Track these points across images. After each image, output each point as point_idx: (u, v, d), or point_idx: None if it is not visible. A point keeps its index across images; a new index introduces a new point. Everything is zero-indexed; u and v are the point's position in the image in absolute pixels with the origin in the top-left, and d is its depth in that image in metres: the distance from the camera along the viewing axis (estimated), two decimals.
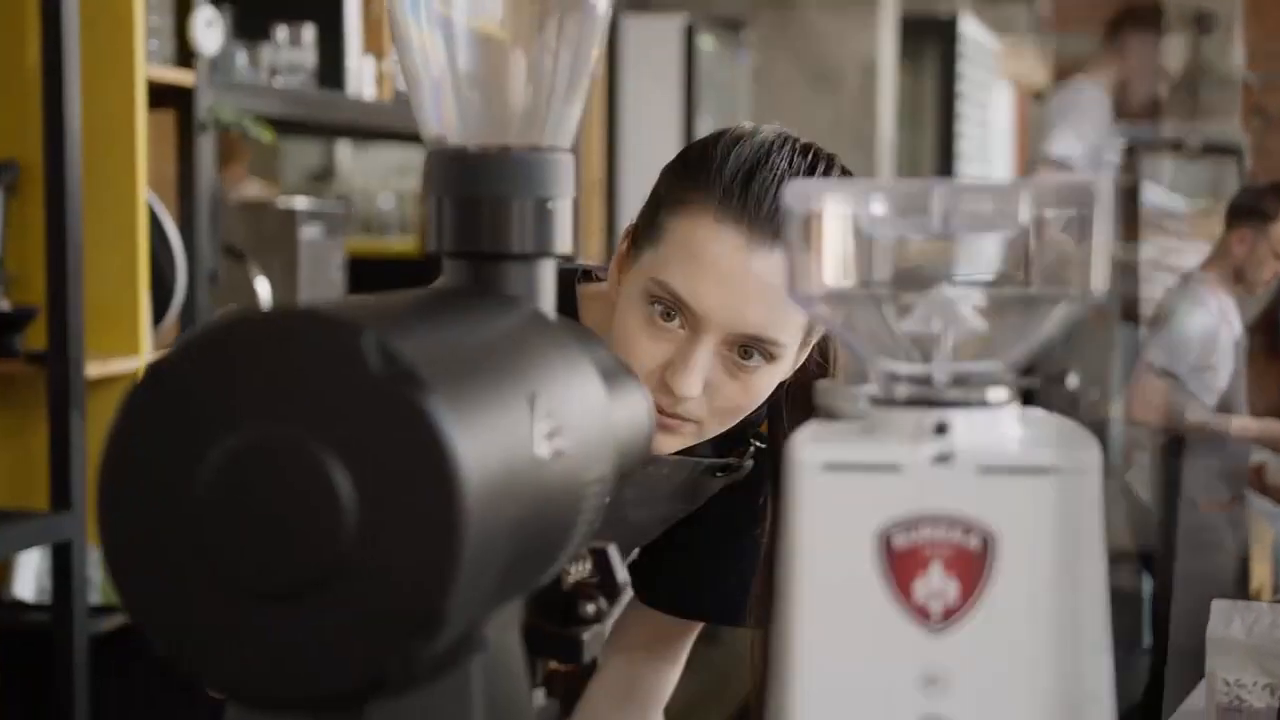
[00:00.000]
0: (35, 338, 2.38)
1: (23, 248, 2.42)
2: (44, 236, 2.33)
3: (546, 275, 0.79)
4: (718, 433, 1.28)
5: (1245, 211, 4.17)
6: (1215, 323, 4.15)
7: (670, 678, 1.46)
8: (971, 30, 7.39)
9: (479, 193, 0.77)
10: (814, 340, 1.31)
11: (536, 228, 0.77)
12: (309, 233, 3.06)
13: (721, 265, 1.19)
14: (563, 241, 0.79)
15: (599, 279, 1.39)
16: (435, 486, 0.59)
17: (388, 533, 0.59)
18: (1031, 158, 4.37)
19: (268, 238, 3.08)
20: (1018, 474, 0.66)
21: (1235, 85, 9.14)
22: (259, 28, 3.01)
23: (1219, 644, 1.86)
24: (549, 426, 0.69)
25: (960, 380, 0.69)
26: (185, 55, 2.63)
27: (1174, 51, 4.38)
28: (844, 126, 5.32)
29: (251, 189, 4.09)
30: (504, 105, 0.79)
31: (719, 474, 1.37)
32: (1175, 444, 4.16)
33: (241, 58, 2.92)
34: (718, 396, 1.24)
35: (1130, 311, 4.62)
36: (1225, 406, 4.23)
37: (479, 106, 0.78)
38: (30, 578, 2.56)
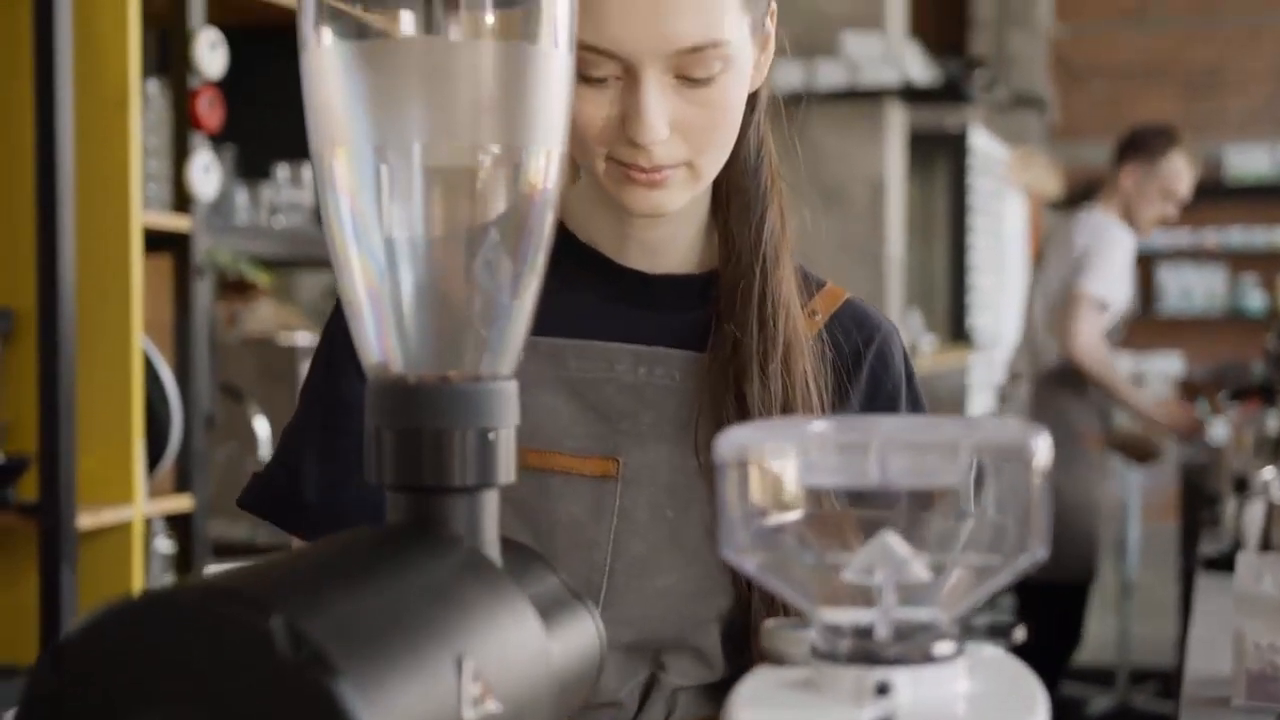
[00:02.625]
0: (27, 488, 2.37)
1: (18, 396, 2.41)
2: (37, 386, 2.32)
3: (489, 507, 0.77)
4: (717, 167, 1.15)
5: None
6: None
7: None
8: (981, 142, 7.43)
9: (419, 424, 0.75)
10: (770, 28, 1.19)
11: (478, 459, 0.76)
12: None
13: None
14: (506, 471, 0.77)
15: None
16: None
17: None
18: (1045, 282, 4.31)
19: (272, 374, 3.08)
20: None
21: (1041, 39, 9.24)
22: (260, 167, 3.02)
23: (1248, 601, 1.70)
24: (479, 688, 0.66)
25: (904, 633, 0.67)
26: (183, 199, 2.64)
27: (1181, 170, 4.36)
28: (853, 245, 5.32)
29: (265, 311, 4.10)
30: (445, 334, 0.77)
31: None
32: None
33: (242, 196, 2.94)
34: (690, 128, 1.11)
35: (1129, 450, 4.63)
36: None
37: (420, 335, 0.77)
38: None
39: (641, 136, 1.09)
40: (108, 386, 2.45)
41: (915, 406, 1.27)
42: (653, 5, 1.07)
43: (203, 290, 2.65)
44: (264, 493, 1.25)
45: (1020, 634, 0.65)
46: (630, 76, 1.09)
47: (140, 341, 2.48)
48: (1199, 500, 4.32)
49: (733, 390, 1.17)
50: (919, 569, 0.67)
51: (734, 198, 1.22)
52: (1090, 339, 4.05)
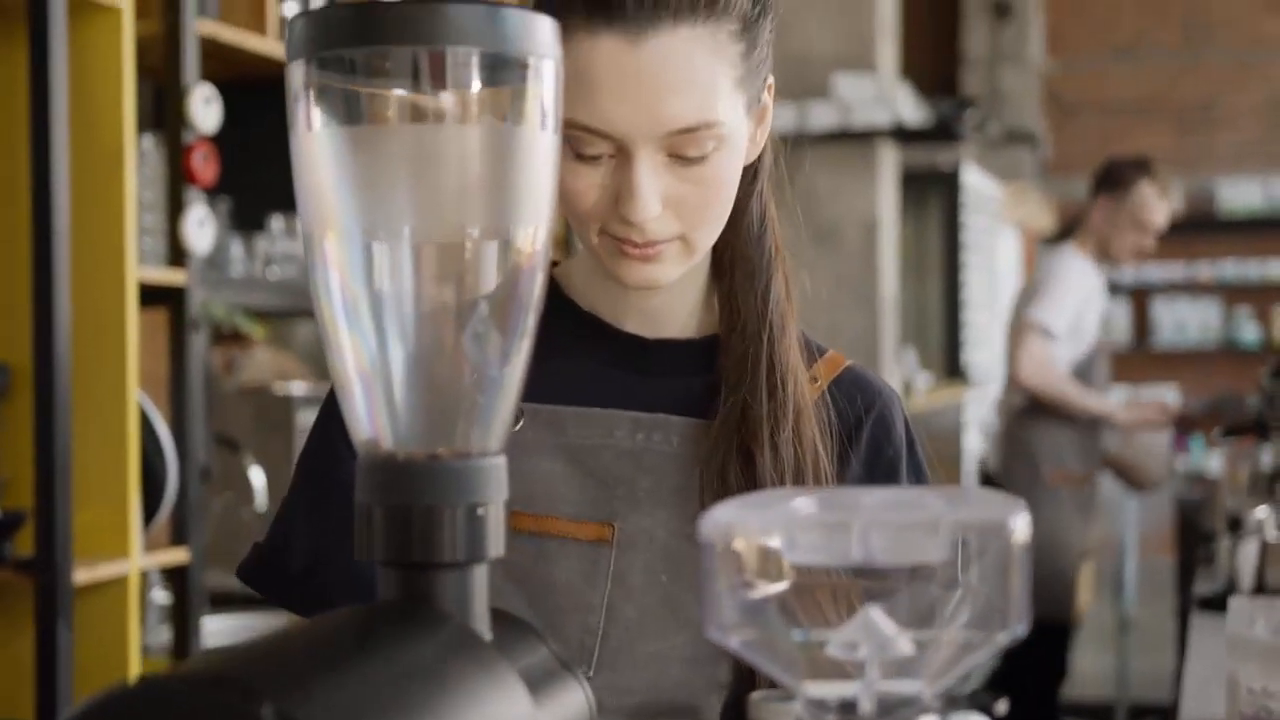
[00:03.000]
0: (23, 543, 2.37)
1: (14, 451, 2.42)
2: (33, 441, 2.33)
3: (479, 581, 0.78)
4: (711, 240, 1.17)
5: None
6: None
7: None
8: (974, 179, 7.46)
9: (409, 501, 0.76)
10: (767, 100, 1.19)
11: (468, 535, 0.77)
12: (306, 418, 3.07)
13: (612, 75, 1.08)
14: (495, 546, 0.78)
15: None
16: None
17: None
18: (1015, 316, 4.35)
19: (268, 423, 3.09)
20: None
21: (1033, 75, 9.31)
22: (255, 218, 3.04)
23: (1241, 646, 1.71)
24: None
25: (888, 707, 0.68)
26: (178, 253, 2.66)
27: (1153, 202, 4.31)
28: (847, 285, 5.33)
29: (262, 357, 4.11)
30: (435, 411, 0.78)
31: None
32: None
33: (237, 248, 2.95)
34: (683, 205, 1.12)
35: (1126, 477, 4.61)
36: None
37: (409, 412, 0.78)
38: None
39: (634, 214, 1.10)
40: (103, 441, 2.46)
41: (917, 474, 1.27)
42: (646, 88, 1.08)
43: (198, 344, 2.67)
44: (258, 566, 1.27)
45: (1003, 707, 0.66)
46: (623, 155, 1.10)
47: (135, 396, 2.49)
48: (1195, 536, 4.32)
49: (740, 458, 1.18)
50: (903, 644, 0.68)
51: (738, 266, 1.23)
52: (1033, 363, 4.07)
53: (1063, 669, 4.24)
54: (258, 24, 2.91)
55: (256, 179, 2.86)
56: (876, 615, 0.68)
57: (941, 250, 7.24)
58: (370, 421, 0.78)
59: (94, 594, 2.47)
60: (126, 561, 2.47)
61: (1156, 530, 6.62)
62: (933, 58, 9.54)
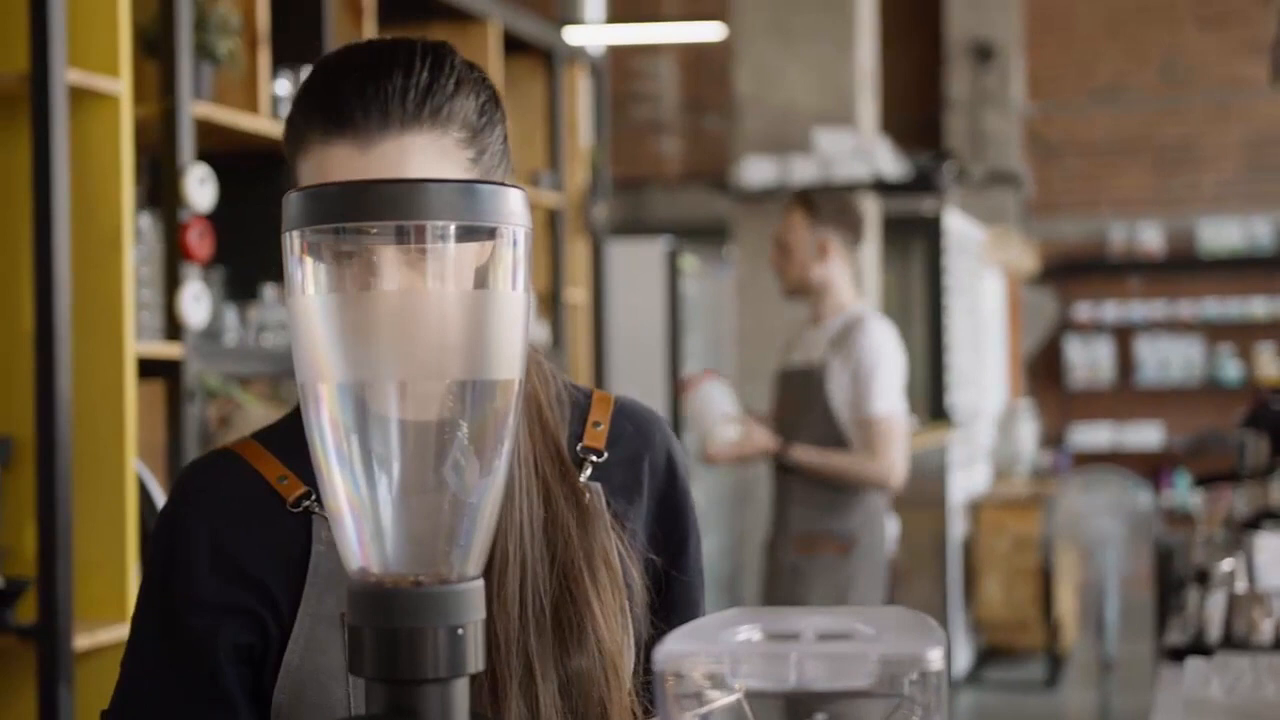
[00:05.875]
0: (26, 610, 2.45)
1: (18, 520, 2.50)
2: (35, 511, 2.41)
3: (460, 694, 0.86)
4: None
5: None
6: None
7: None
8: (956, 224, 7.55)
9: (395, 624, 0.85)
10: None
11: (449, 653, 0.85)
12: None
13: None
14: (475, 661, 0.86)
15: None
16: None
17: None
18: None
19: None
20: None
21: (1015, 117, 9.31)
22: (250, 287, 3.13)
23: (1197, 706, 1.79)
24: None
25: None
26: (174, 327, 2.74)
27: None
28: None
29: (256, 414, 4.16)
30: (417, 541, 0.87)
31: None
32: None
33: (232, 317, 3.04)
34: None
35: None
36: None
37: (395, 543, 0.87)
38: None
39: None
40: (103, 510, 2.53)
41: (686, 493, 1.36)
42: None
43: (193, 414, 2.75)
44: None
45: None
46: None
47: (134, 465, 2.57)
48: (1171, 581, 4.38)
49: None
50: None
51: None
52: None
53: None
54: (250, 103, 3.00)
55: (250, 249, 2.95)
56: None
57: (925, 294, 7.32)
58: (360, 551, 0.87)
59: (95, 658, 2.54)
60: (126, 626, 2.54)
61: (1140, 568, 6.70)
62: (916, 101, 9.66)
